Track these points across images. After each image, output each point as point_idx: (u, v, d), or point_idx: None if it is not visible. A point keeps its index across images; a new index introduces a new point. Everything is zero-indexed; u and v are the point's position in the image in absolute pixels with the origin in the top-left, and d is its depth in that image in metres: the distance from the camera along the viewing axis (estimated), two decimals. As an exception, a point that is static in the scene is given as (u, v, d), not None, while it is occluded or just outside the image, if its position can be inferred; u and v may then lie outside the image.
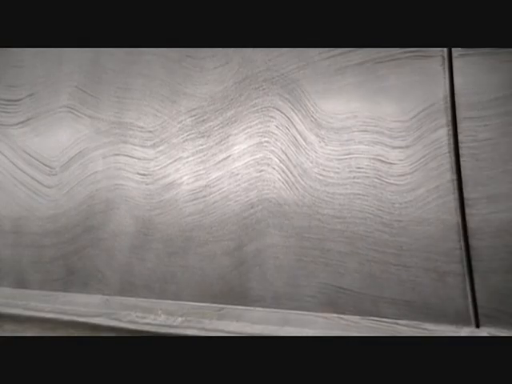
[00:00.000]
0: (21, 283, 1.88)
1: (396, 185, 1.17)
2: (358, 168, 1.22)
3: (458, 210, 1.10)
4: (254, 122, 1.38)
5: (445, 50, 1.12)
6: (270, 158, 1.36)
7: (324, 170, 1.27)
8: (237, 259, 1.40)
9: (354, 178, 1.22)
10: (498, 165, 1.06)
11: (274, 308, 1.33)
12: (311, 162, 1.29)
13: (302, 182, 1.30)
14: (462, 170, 1.10)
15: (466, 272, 1.09)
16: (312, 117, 1.29)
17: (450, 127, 1.11)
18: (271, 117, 1.36)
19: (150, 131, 1.58)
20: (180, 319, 1.44)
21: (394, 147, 1.18)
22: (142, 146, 1.60)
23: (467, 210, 1.09)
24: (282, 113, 1.34)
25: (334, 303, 1.25)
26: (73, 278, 1.74)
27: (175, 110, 1.54)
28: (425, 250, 1.13)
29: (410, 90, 1.16)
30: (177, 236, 1.51)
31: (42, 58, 1.90)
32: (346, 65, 1.25)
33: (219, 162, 1.44)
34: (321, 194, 1.27)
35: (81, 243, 1.72)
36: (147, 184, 1.58)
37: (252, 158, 1.38)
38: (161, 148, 1.56)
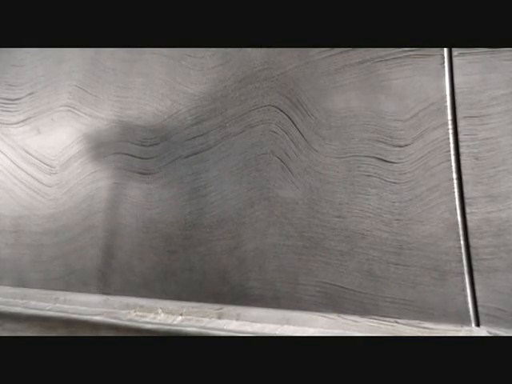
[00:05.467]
0: (21, 282, 1.88)
1: (396, 183, 1.17)
2: (358, 167, 1.22)
3: (459, 209, 1.10)
4: (254, 121, 1.38)
5: (445, 49, 1.12)
6: (270, 157, 1.36)
7: (324, 168, 1.27)
8: (237, 258, 1.40)
9: (354, 176, 1.22)
10: (498, 164, 1.06)
11: (274, 307, 1.33)
12: (311, 161, 1.29)
13: (302, 181, 1.30)
14: (462, 168, 1.10)
15: (466, 271, 1.09)
16: (312, 115, 1.29)
17: (450, 126, 1.11)
18: (271, 116, 1.36)
19: (150, 130, 1.58)
20: (180, 318, 1.44)
21: (394, 146, 1.18)
22: (142, 145, 1.60)
23: (467, 209, 1.09)
24: (282, 112, 1.34)
25: (334, 302, 1.25)
26: (73, 276, 1.74)
27: (175, 108, 1.54)
28: (425, 248, 1.13)
29: (410, 88, 1.16)
30: (177, 235, 1.51)
31: (42, 57, 1.90)
32: (345, 64, 1.25)
33: (219, 160, 1.44)
34: (321, 193, 1.27)
35: (81, 242, 1.72)
36: (147, 183, 1.58)
37: (252, 156, 1.38)
38: (160, 147, 1.56)
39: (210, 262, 1.44)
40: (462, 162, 1.09)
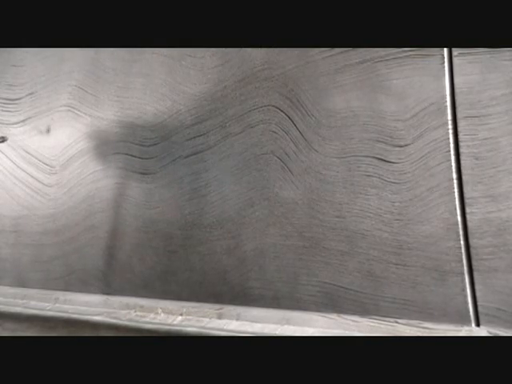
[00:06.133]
0: (21, 282, 1.88)
1: (396, 183, 1.17)
2: (358, 167, 1.22)
3: (459, 209, 1.10)
4: (254, 121, 1.38)
5: (445, 49, 1.12)
6: (270, 157, 1.35)
7: (324, 168, 1.27)
8: (237, 258, 1.39)
9: (354, 176, 1.22)
10: (498, 164, 1.06)
11: (274, 307, 1.33)
12: (311, 161, 1.29)
13: (302, 181, 1.30)
14: (462, 168, 1.10)
15: (466, 271, 1.09)
16: (312, 115, 1.29)
17: (450, 126, 1.11)
18: (271, 116, 1.36)
19: (150, 130, 1.58)
20: (180, 318, 1.44)
21: (394, 146, 1.18)
22: (142, 145, 1.60)
23: (467, 209, 1.09)
24: (282, 111, 1.34)
25: (334, 302, 1.25)
26: (73, 276, 1.74)
27: (175, 108, 1.54)
28: (425, 248, 1.13)
29: (410, 88, 1.16)
30: (177, 235, 1.51)
31: (42, 57, 1.90)
32: (345, 64, 1.25)
33: (219, 160, 1.44)
34: (321, 193, 1.27)
35: (81, 242, 1.72)
36: (147, 183, 1.58)
37: (252, 156, 1.38)
38: (160, 147, 1.56)
39: (209, 262, 1.44)
40: (462, 162, 1.09)
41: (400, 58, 1.17)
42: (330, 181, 1.26)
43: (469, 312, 1.09)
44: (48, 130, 1.78)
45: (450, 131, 1.11)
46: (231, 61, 1.44)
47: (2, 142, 1.57)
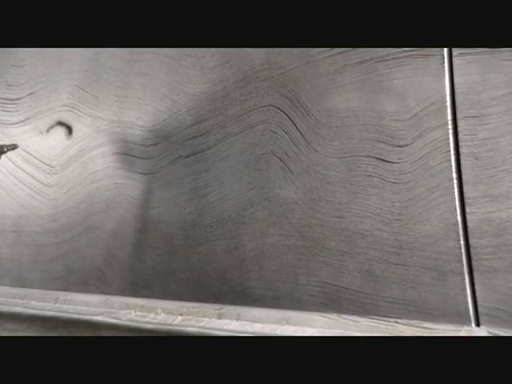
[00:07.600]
0: (21, 282, 1.88)
1: (396, 183, 1.17)
2: (358, 167, 1.22)
3: (459, 209, 1.10)
4: (254, 121, 1.38)
5: (445, 49, 1.12)
6: (270, 157, 1.35)
7: (324, 168, 1.27)
8: (237, 258, 1.40)
9: (354, 176, 1.22)
10: (498, 164, 1.06)
11: (274, 307, 1.33)
12: (311, 161, 1.29)
13: (302, 181, 1.30)
14: (462, 168, 1.10)
15: (466, 271, 1.09)
16: (312, 115, 1.29)
17: (450, 126, 1.11)
18: (271, 116, 1.36)
19: (150, 130, 1.58)
20: (180, 318, 1.44)
21: (394, 146, 1.18)
22: (142, 145, 1.60)
23: (467, 209, 1.09)
24: (282, 111, 1.34)
25: (334, 302, 1.25)
26: (73, 276, 1.74)
27: (175, 108, 1.54)
28: (425, 248, 1.13)
29: (410, 88, 1.16)
30: (177, 235, 1.51)
31: (41, 57, 1.90)
32: (345, 64, 1.25)
33: (219, 160, 1.44)
34: (321, 193, 1.27)
35: (81, 242, 1.72)
36: (147, 183, 1.58)
37: (252, 156, 1.38)
38: (160, 147, 1.56)
39: (210, 262, 1.44)
40: (462, 162, 1.09)
41: (400, 57, 1.17)
42: (330, 181, 1.26)
43: (469, 312, 1.09)
44: (70, 131, 1.77)
45: (450, 131, 1.11)
46: (231, 61, 1.44)
47: (13, 149, 1.59)
